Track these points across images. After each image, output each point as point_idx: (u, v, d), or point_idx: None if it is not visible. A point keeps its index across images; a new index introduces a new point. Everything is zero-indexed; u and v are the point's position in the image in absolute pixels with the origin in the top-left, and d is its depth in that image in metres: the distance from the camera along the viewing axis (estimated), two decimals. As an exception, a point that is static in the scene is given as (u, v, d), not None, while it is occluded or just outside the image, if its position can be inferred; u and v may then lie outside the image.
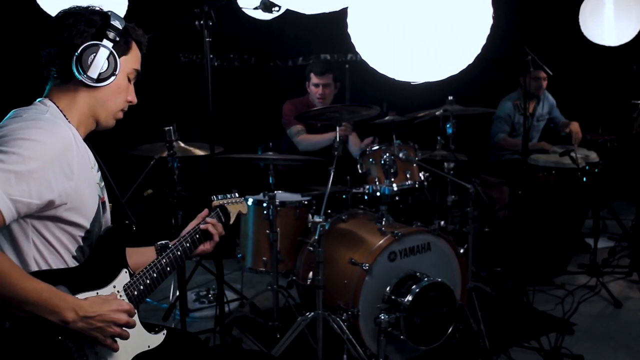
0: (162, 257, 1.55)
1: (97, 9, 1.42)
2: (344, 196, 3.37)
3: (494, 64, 4.57)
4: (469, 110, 3.25)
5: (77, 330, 1.22)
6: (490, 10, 1.03)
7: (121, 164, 3.21)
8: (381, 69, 1.13)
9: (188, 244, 1.63)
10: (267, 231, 2.99)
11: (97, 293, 1.33)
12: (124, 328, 1.31)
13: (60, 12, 1.39)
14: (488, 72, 4.43)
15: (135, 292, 1.43)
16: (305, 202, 3.15)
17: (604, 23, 3.78)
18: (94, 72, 1.37)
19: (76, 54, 1.35)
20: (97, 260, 1.37)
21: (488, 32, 1.04)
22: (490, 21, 1.02)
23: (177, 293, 3.04)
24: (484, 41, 1.07)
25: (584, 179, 3.87)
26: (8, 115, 1.33)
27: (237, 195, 1.96)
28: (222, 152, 3.07)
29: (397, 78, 1.12)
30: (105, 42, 1.38)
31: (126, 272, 1.43)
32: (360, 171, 3.10)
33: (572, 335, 3.08)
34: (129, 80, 1.50)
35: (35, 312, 1.16)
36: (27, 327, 1.19)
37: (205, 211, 1.75)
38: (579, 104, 5.49)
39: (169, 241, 1.65)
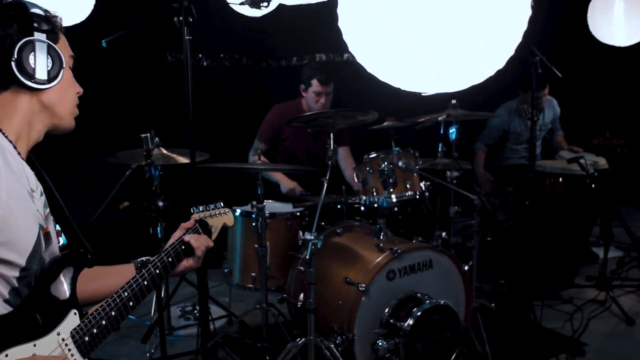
0: (124, 289, 1.32)
1: (5, 1, 1.20)
2: (338, 206, 3.15)
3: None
4: (473, 115, 3.04)
5: None
6: (529, -1, 0.80)
7: (100, 171, 3.00)
8: (382, 77, 0.87)
9: (170, 259, 1.45)
10: (256, 245, 2.77)
11: (35, 345, 1.10)
12: None
13: None
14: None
15: (87, 338, 1.20)
16: (298, 214, 2.93)
17: (614, 22, 3.68)
18: (42, 73, 1.18)
19: (13, 58, 1.14)
20: (36, 302, 1.13)
21: (525, 27, 0.81)
22: (529, 12, 0.79)
23: (158, 312, 2.82)
24: (519, 40, 0.83)
25: (593, 186, 3.68)
26: None
27: (222, 205, 1.75)
28: (209, 159, 2.86)
29: (402, 88, 0.88)
30: (37, 35, 1.17)
31: (75, 313, 1.20)
32: (355, 180, 2.88)
33: (583, 357, 2.88)
34: (70, 69, 1.31)
35: None
36: None
37: (191, 221, 1.59)
38: (587, 106, 5.30)
39: (150, 257, 1.44)
